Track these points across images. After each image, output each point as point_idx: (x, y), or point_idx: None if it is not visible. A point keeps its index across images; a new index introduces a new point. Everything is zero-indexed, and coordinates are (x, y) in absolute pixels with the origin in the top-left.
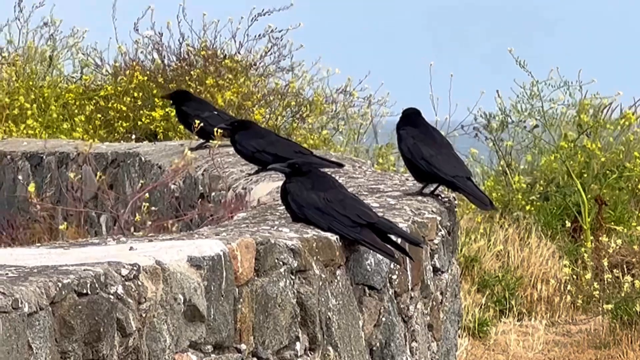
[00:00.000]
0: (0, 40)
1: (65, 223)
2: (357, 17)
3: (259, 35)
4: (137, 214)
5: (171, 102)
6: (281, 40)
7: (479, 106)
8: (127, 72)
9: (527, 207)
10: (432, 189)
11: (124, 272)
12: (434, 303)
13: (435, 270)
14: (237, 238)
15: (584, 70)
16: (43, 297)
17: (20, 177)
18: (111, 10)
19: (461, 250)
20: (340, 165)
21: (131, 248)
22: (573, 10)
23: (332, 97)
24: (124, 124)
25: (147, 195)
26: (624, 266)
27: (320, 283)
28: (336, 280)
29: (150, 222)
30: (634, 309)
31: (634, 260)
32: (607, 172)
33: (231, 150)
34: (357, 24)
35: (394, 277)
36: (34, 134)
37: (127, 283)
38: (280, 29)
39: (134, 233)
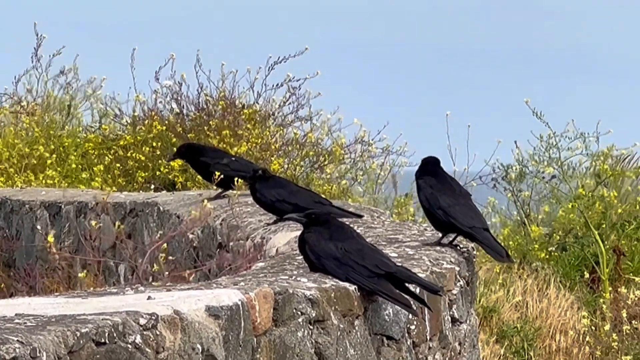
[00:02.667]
0: (19, 89)
1: (84, 272)
2: (373, 62)
3: (277, 84)
4: (155, 264)
5: (185, 158)
6: (299, 89)
7: (496, 155)
8: (146, 121)
9: (545, 256)
10: (450, 239)
11: (142, 321)
12: (453, 354)
13: (454, 320)
14: (255, 288)
15: (602, 120)
16: (61, 347)
17: (38, 226)
18: (130, 60)
19: (479, 301)
20: (359, 216)
21: (149, 297)
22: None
23: (350, 147)
24: (143, 174)
25: (165, 245)
26: None
27: (339, 333)
28: (354, 330)
29: (168, 272)
30: None
31: None
32: (625, 222)
33: (249, 199)
34: (374, 69)
35: (412, 327)
36: (52, 184)
37: (145, 332)
38: (298, 78)
39: (152, 283)
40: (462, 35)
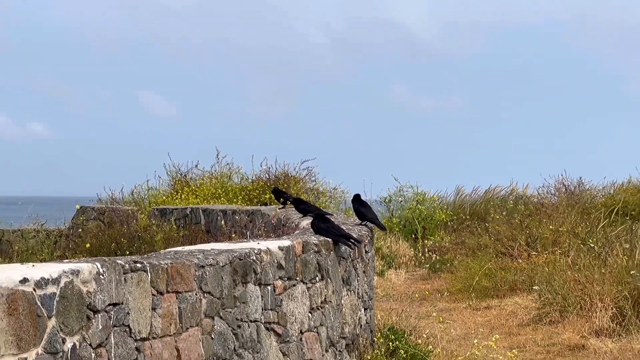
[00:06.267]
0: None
1: (234, 234)
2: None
3: (306, 169)
4: (260, 231)
5: (273, 193)
6: (313, 170)
7: (382, 190)
8: (257, 182)
9: (397, 229)
10: (364, 223)
11: (256, 250)
12: (366, 262)
13: (366, 252)
14: (296, 239)
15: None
16: (227, 260)
17: (218, 218)
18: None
19: (376, 245)
20: (331, 214)
21: (258, 243)
22: None
23: (331, 192)
24: (255, 200)
25: (263, 225)
26: None
27: (325, 255)
28: (331, 255)
29: (264, 234)
30: None
31: None
32: (428, 217)
33: (293, 209)
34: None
35: (351, 253)
36: (222, 202)
37: (256, 255)
38: (313, 166)
39: (258, 239)
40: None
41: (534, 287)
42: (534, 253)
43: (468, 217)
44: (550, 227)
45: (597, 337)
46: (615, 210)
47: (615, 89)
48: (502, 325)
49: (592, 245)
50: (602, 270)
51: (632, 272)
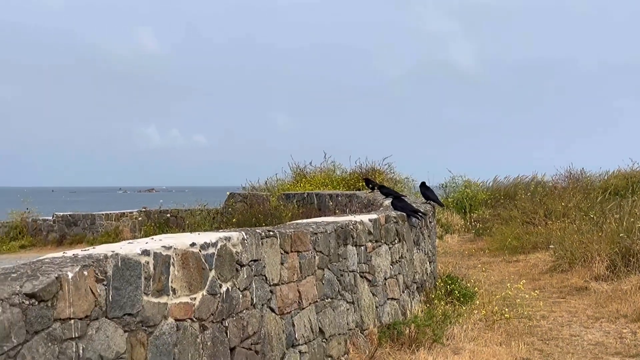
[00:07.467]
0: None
1: (337, 211)
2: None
3: (387, 164)
4: (355, 208)
5: (365, 182)
6: (391, 165)
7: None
8: (353, 174)
9: (452, 205)
10: (428, 202)
11: (353, 221)
12: (430, 229)
13: (430, 222)
14: (381, 214)
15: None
16: (332, 229)
17: (326, 200)
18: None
19: (437, 217)
20: (405, 196)
21: (354, 216)
22: None
23: (404, 181)
24: (352, 186)
25: (358, 204)
26: None
27: (401, 225)
28: (405, 224)
29: (359, 210)
30: None
31: None
32: (473, 197)
33: (378, 193)
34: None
35: (419, 223)
36: (329, 188)
37: (352, 225)
38: (392, 161)
39: (354, 213)
40: None
41: (550, 246)
42: (549, 222)
43: (502, 196)
44: (562, 203)
45: (596, 281)
46: (609, 191)
47: None
48: (527, 273)
49: (592, 216)
50: (599, 234)
51: (620, 235)
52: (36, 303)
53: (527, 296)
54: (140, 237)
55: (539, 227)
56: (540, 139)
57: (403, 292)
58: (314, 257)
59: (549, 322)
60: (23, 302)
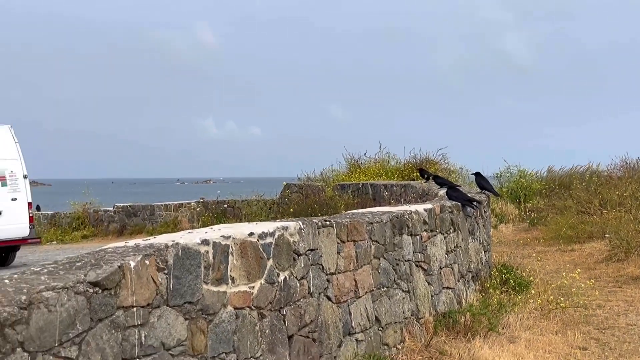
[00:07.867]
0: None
1: (392, 201)
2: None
3: (441, 155)
4: (410, 198)
5: (419, 172)
6: (446, 155)
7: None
8: (407, 165)
9: (506, 195)
10: (483, 191)
11: (408, 211)
12: (485, 219)
13: (485, 211)
14: (435, 204)
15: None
16: (388, 218)
17: (381, 190)
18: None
19: (492, 206)
20: (459, 186)
21: (409, 206)
22: None
23: (459, 171)
24: (406, 177)
25: (412, 194)
26: None
27: (456, 214)
28: (460, 214)
29: (414, 199)
30: None
31: None
32: (527, 188)
33: (433, 183)
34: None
35: (474, 212)
36: (384, 179)
37: (409, 214)
38: (446, 152)
39: (409, 203)
40: None
41: (605, 235)
42: (605, 211)
43: (556, 186)
44: (617, 192)
45: None
46: None
47: None
48: (582, 262)
49: None
50: None
51: None
52: (100, 291)
53: (582, 285)
54: (199, 227)
55: (594, 217)
56: (596, 129)
57: (458, 281)
58: (370, 246)
59: (605, 311)
60: (87, 290)
